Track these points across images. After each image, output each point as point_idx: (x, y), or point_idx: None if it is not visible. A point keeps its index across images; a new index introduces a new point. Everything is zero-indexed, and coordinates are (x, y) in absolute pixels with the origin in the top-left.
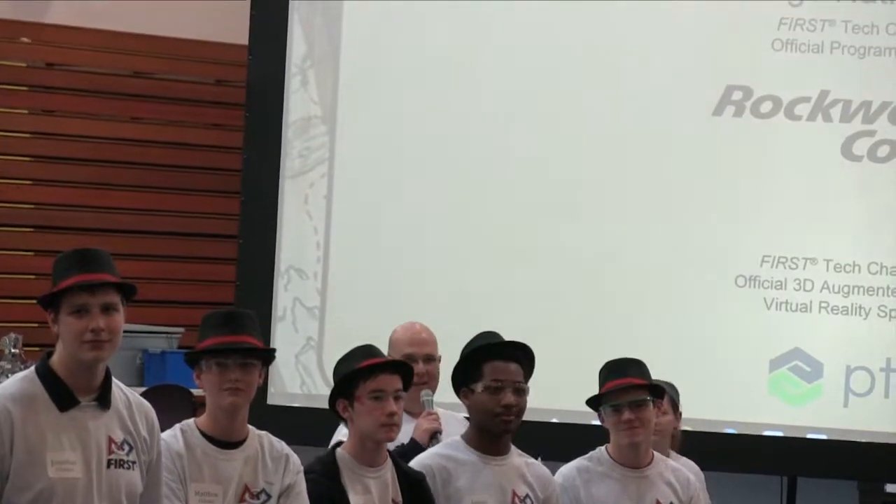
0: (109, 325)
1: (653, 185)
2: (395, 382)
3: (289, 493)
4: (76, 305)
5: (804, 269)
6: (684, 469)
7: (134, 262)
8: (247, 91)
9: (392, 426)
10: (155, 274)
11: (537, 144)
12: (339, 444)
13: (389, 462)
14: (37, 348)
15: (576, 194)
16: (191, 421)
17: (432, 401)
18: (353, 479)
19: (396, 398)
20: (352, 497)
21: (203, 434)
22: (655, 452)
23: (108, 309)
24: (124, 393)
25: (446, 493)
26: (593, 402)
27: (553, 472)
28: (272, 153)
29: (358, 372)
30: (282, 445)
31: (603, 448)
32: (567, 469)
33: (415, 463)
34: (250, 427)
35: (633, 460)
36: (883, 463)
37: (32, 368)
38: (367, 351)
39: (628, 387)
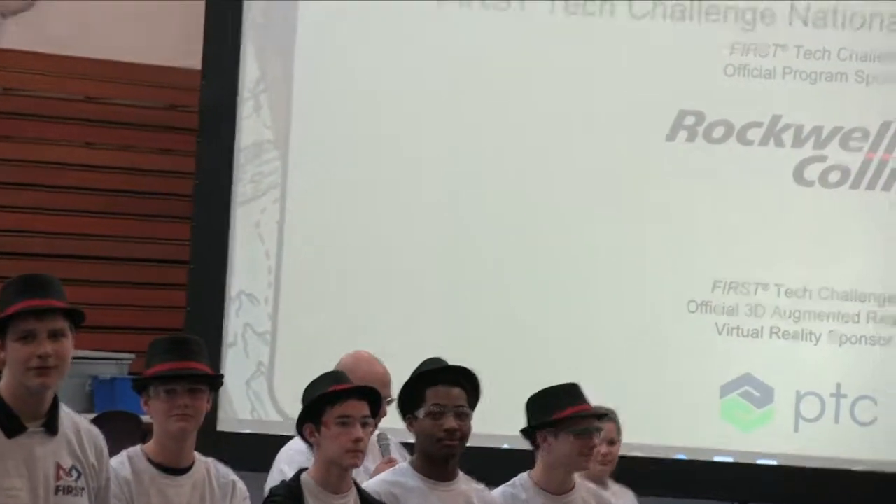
0: (57, 351)
1: (605, 210)
2: (363, 409)
3: None
4: (23, 331)
5: (755, 294)
6: (602, 492)
7: (84, 288)
8: (199, 116)
9: (358, 452)
10: (105, 300)
11: (489, 170)
12: (303, 469)
13: (354, 490)
14: None
15: (527, 220)
16: (137, 447)
17: (389, 445)
18: None
19: (364, 424)
20: None
21: (150, 461)
22: (577, 478)
23: (55, 335)
24: (72, 419)
25: None
26: (540, 425)
27: None
28: (224, 178)
29: (325, 397)
30: (227, 472)
31: (525, 475)
32: (501, 498)
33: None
34: (196, 454)
35: (561, 487)
36: (833, 488)
37: None
38: (336, 377)
39: (590, 414)
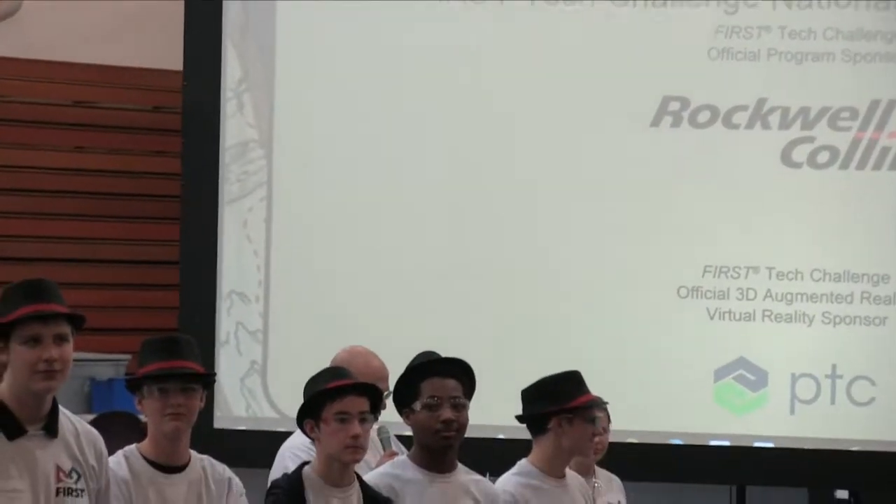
0: (62, 355)
1: (592, 198)
2: (362, 405)
3: None
4: (29, 335)
5: (746, 277)
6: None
7: (78, 291)
8: (182, 117)
9: (357, 448)
10: (99, 302)
11: (476, 159)
12: (305, 463)
13: (356, 483)
14: None
15: (514, 210)
16: (133, 447)
17: (390, 438)
18: (317, 498)
19: (362, 420)
20: None
21: (146, 459)
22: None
23: (60, 339)
24: (71, 421)
25: None
26: (550, 413)
27: None
28: (210, 178)
29: (324, 393)
30: (223, 469)
31: (526, 462)
32: (513, 486)
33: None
34: (192, 451)
35: (561, 472)
36: (831, 469)
37: None
38: (335, 373)
39: (596, 403)
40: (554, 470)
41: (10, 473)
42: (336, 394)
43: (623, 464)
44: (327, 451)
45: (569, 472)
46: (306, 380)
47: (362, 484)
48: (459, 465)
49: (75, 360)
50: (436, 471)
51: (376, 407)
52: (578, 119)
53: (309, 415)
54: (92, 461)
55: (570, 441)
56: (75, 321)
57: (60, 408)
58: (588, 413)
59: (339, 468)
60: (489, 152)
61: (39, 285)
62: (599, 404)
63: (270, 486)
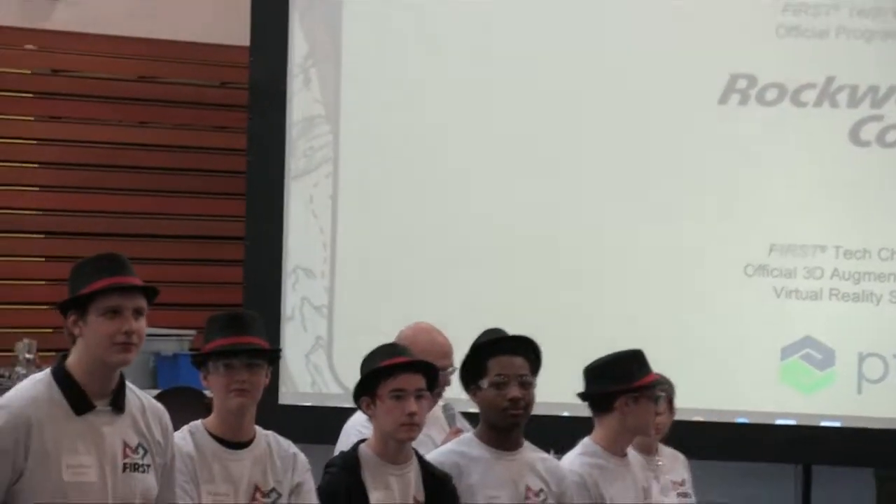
0: (139, 329)
1: (660, 177)
2: (417, 382)
3: (298, 491)
4: (109, 307)
5: (813, 256)
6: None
7: (143, 267)
8: (249, 92)
9: (413, 426)
10: (165, 278)
11: (543, 139)
12: (363, 440)
13: (415, 460)
14: (50, 353)
15: (582, 188)
16: (198, 422)
17: (455, 415)
18: (374, 476)
19: (418, 397)
20: (371, 493)
21: (211, 435)
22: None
23: (137, 313)
24: (138, 397)
25: (459, 489)
26: (624, 392)
27: None
28: (276, 154)
29: (379, 370)
30: (289, 444)
31: (589, 441)
32: (580, 466)
33: (429, 460)
34: (257, 427)
35: (623, 450)
36: None
37: (48, 371)
38: (391, 349)
39: (658, 383)
40: (617, 449)
41: (77, 449)
42: (392, 371)
43: (688, 442)
44: (383, 428)
45: (630, 450)
46: None
47: (421, 461)
48: (525, 443)
49: None
50: (502, 448)
51: (433, 384)
52: (646, 97)
53: (365, 392)
54: (158, 436)
55: (634, 420)
56: (149, 297)
57: (127, 383)
58: (653, 392)
59: (395, 445)
60: (554, 131)
61: (117, 259)
62: (663, 383)
63: (326, 465)
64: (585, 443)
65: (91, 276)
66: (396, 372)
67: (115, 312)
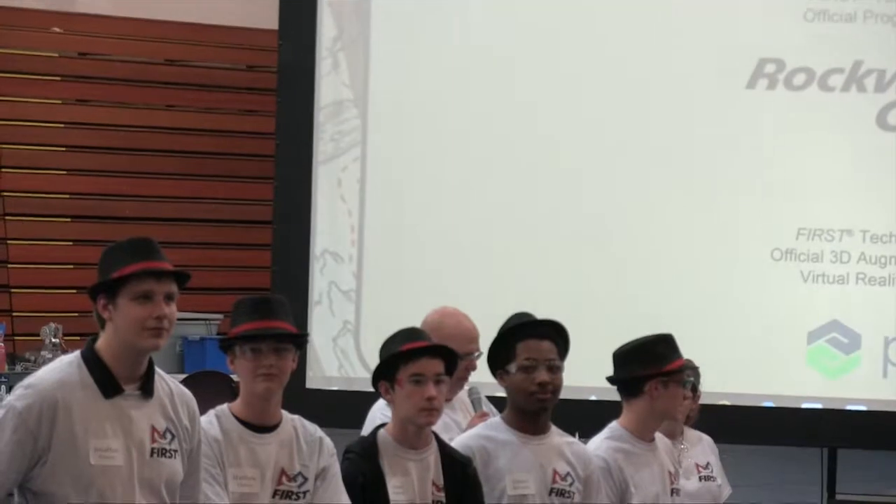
0: (170, 314)
1: (687, 161)
2: (437, 367)
3: (324, 475)
4: (141, 292)
5: (840, 240)
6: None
7: (171, 250)
8: (278, 75)
9: (432, 411)
10: (192, 261)
11: (569, 123)
12: (382, 425)
13: (434, 445)
14: (76, 338)
15: (611, 173)
16: (225, 406)
17: (481, 399)
18: (392, 461)
19: (437, 382)
20: (389, 479)
21: (238, 419)
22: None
23: (169, 298)
24: (166, 382)
25: (486, 473)
26: (654, 376)
27: None
28: (304, 138)
29: (399, 355)
30: (315, 429)
31: (616, 425)
32: (605, 451)
33: (455, 444)
34: (283, 411)
35: (651, 435)
36: None
37: (78, 353)
38: (410, 334)
39: (686, 367)
40: (645, 433)
41: (105, 432)
42: (411, 355)
43: (715, 426)
44: (402, 413)
45: (658, 435)
46: None
47: (441, 445)
48: (553, 427)
49: None
50: (529, 432)
51: (452, 369)
52: (675, 81)
53: (384, 376)
54: (185, 422)
55: (663, 404)
56: (180, 282)
57: (156, 368)
58: (682, 377)
59: (414, 431)
60: (583, 114)
61: (149, 243)
62: (693, 367)
63: (345, 451)
64: (613, 427)
65: (123, 260)
66: (416, 356)
67: (146, 297)
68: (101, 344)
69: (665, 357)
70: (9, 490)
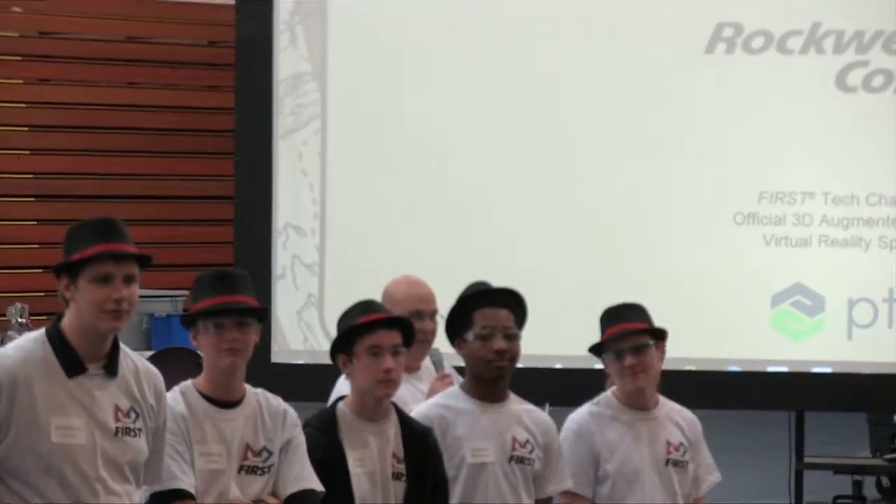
0: (130, 296)
1: (647, 126)
2: (394, 338)
3: (287, 446)
4: (100, 274)
5: (802, 203)
6: (687, 410)
7: (134, 227)
8: (236, 50)
9: (390, 382)
10: (156, 238)
11: (531, 90)
12: (341, 398)
13: (394, 417)
14: (43, 317)
15: (571, 138)
16: (189, 383)
17: (443, 360)
18: (351, 434)
19: (395, 354)
20: (348, 451)
21: (202, 395)
22: (659, 395)
23: (129, 280)
24: (132, 359)
25: (445, 442)
26: (596, 349)
27: (561, 418)
28: (264, 112)
29: (356, 328)
30: (278, 401)
31: (609, 392)
32: (579, 415)
33: (414, 414)
34: (246, 386)
35: (641, 403)
36: (890, 393)
37: (43, 331)
38: (367, 306)
39: (629, 332)
40: (633, 401)
41: (67, 410)
42: (367, 328)
43: (681, 391)
44: (360, 385)
45: (666, 403)
46: None
47: (401, 416)
48: (512, 395)
49: None
50: (488, 400)
51: (410, 340)
52: (632, 48)
53: (342, 350)
54: (151, 400)
55: (614, 374)
56: (142, 262)
57: (122, 345)
58: (614, 345)
59: (372, 403)
60: (543, 84)
61: (112, 225)
62: (632, 332)
63: (304, 424)
64: (606, 394)
65: (84, 241)
66: (372, 329)
67: (105, 279)
68: (66, 323)
69: (604, 327)
70: None
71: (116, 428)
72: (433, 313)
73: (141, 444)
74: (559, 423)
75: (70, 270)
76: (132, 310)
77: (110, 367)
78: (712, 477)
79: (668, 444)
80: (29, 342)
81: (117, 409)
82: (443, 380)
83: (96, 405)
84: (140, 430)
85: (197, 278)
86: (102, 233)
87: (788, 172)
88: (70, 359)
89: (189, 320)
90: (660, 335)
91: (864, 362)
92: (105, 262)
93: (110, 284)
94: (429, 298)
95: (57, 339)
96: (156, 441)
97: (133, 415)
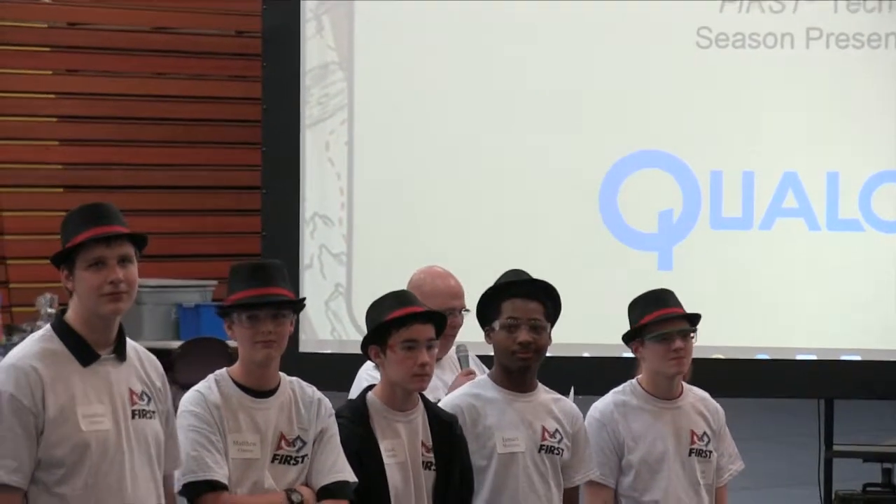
0: (127, 277)
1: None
2: (428, 332)
3: (322, 436)
4: (93, 259)
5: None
6: (710, 398)
7: (162, 218)
8: (262, 40)
9: (424, 376)
10: (184, 228)
11: (560, 80)
12: (370, 387)
13: (421, 406)
14: None
15: (600, 128)
16: (223, 371)
17: (468, 357)
18: (382, 423)
19: (429, 347)
20: (380, 441)
21: (237, 384)
22: (683, 383)
23: (124, 261)
24: (133, 345)
25: (475, 431)
26: (631, 334)
27: (585, 406)
28: (291, 102)
29: (391, 322)
30: (313, 391)
31: (634, 381)
32: (603, 404)
33: (444, 403)
34: (281, 374)
35: (668, 392)
36: None
37: (48, 327)
38: (401, 298)
39: (675, 316)
40: (659, 390)
41: (90, 398)
42: (403, 322)
43: (710, 380)
44: (392, 377)
45: (691, 391)
46: None
47: (427, 405)
48: (539, 385)
49: (161, 287)
50: (516, 390)
51: (441, 332)
52: (634, 36)
53: (374, 341)
54: (158, 383)
55: (651, 363)
56: (138, 242)
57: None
58: (657, 329)
59: (402, 393)
60: (570, 74)
61: (98, 209)
62: (670, 318)
63: (335, 414)
64: (631, 382)
65: (75, 228)
66: (408, 322)
67: (99, 263)
68: (71, 313)
69: (640, 314)
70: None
71: (134, 411)
72: (463, 308)
73: (157, 425)
74: (583, 411)
75: (67, 260)
76: (132, 290)
77: (119, 351)
78: (735, 466)
79: (693, 433)
80: (36, 341)
81: (132, 392)
82: (467, 376)
83: (114, 389)
84: (153, 412)
85: (232, 269)
86: (91, 218)
87: (812, 154)
88: (81, 348)
89: (224, 311)
90: (696, 321)
91: (893, 350)
92: (96, 246)
93: (105, 267)
94: (459, 294)
95: (65, 332)
96: (168, 425)
97: (146, 398)
